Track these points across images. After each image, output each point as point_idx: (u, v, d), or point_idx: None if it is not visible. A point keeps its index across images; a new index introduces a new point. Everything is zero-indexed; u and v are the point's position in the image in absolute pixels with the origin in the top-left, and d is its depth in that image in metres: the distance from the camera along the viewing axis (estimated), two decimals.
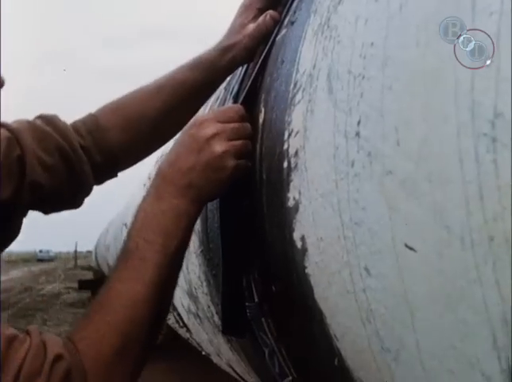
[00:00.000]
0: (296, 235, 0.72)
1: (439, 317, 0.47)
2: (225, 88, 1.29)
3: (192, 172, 0.83)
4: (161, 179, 0.85)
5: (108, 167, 1.08)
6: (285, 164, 0.74)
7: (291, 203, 0.73)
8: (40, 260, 58.52)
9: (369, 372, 0.63)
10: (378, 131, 0.52)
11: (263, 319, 0.96)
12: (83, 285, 12.72)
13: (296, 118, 0.73)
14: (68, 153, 0.99)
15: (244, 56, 1.07)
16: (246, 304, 1.00)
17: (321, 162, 0.64)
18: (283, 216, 0.75)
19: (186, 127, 0.92)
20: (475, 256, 0.41)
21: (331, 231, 0.62)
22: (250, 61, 1.09)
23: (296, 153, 0.71)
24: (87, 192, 1.07)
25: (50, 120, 1.01)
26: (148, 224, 0.82)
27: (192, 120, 0.97)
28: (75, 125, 1.05)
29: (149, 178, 2.49)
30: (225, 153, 0.84)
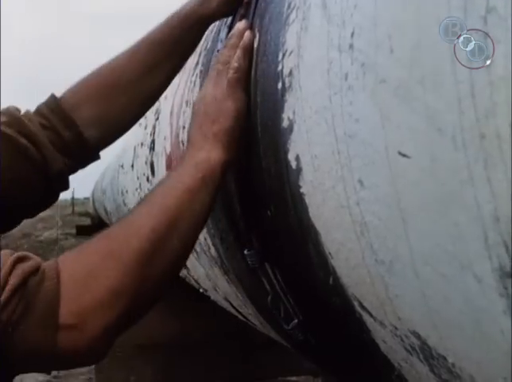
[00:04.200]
0: (291, 156, 0.72)
1: (431, 223, 0.48)
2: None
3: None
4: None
5: (83, 144, 1.02)
6: (280, 85, 0.74)
7: (285, 123, 0.72)
8: None
9: (363, 286, 0.64)
10: (372, 41, 0.52)
11: (267, 264, 0.97)
12: (81, 230, 12.77)
13: (291, 37, 0.72)
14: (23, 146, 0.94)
15: (225, 3, 1.03)
16: (245, 252, 1.00)
17: (315, 79, 0.64)
18: (278, 138, 0.76)
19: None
20: (467, 156, 0.41)
21: (325, 147, 0.62)
22: (232, 10, 1.05)
23: (291, 72, 0.71)
24: (60, 178, 1.01)
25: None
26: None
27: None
28: (38, 108, 1.01)
29: (145, 117, 2.47)
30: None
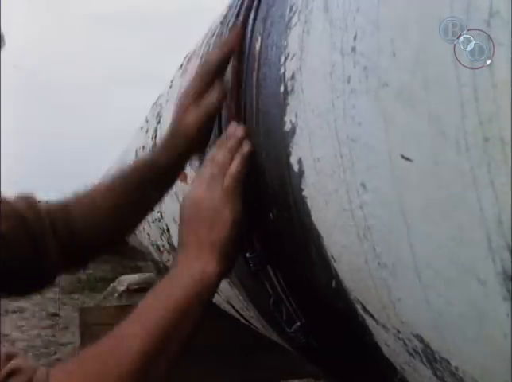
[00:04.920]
0: (293, 159, 0.72)
1: (434, 226, 0.48)
2: (221, 22, 1.27)
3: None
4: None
5: (77, 258, 1.06)
6: (282, 88, 0.74)
7: (287, 127, 0.72)
8: None
9: (366, 289, 0.64)
10: (374, 44, 0.52)
11: (269, 267, 0.97)
12: None
13: (293, 41, 0.72)
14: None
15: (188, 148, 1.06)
16: (247, 255, 0.99)
17: (317, 82, 0.64)
18: (280, 141, 0.75)
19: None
20: (470, 159, 0.41)
21: (328, 150, 0.62)
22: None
23: (293, 76, 0.71)
24: (48, 278, 1.02)
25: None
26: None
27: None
28: (51, 210, 1.02)
29: (147, 121, 2.48)
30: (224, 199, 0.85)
